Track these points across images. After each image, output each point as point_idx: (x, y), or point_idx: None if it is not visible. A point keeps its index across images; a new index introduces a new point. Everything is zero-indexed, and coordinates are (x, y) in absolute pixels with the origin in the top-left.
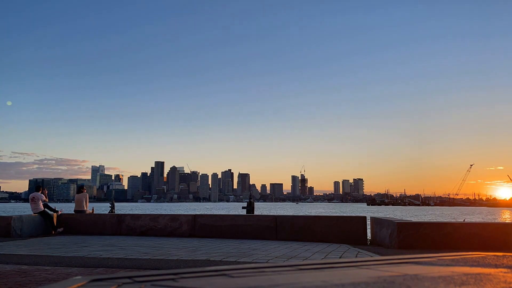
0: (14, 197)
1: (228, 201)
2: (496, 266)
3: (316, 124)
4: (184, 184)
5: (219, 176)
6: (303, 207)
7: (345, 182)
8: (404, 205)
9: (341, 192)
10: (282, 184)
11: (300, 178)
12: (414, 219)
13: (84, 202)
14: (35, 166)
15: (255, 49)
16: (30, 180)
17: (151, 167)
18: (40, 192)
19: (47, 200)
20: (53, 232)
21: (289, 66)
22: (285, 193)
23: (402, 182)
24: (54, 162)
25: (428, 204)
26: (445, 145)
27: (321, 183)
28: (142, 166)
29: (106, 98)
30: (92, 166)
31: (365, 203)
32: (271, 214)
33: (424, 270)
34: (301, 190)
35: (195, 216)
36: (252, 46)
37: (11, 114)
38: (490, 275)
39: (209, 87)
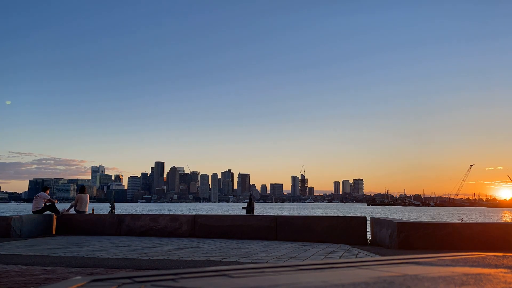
0: (14, 197)
1: (228, 201)
2: (496, 266)
3: (316, 124)
4: (184, 184)
5: (219, 176)
6: (303, 207)
7: (345, 182)
8: (404, 205)
9: (341, 192)
10: (282, 184)
11: (300, 178)
12: (414, 220)
13: (84, 203)
14: (34, 166)
15: (255, 50)
16: (30, 180)
17: (151, 167)
18: (47, 192)
19: (56, 201)
20: (60, 214)
21: (289, 67)
22: (285, 193)
23: (402, 182)
24: (53, 162)
25: (428, 205)
26: (445, 145)
27: (321, 183)
28: (142, 166)
29: (106, 99)
30: (92, 166)
31: (365, 203)
32: (271, 214)
33: (424, 270)
34: (301, 190)
35: (195, 217)
36: (252, 47)
37: (10, 113)
38: (490, 275)
39: (209, 87)
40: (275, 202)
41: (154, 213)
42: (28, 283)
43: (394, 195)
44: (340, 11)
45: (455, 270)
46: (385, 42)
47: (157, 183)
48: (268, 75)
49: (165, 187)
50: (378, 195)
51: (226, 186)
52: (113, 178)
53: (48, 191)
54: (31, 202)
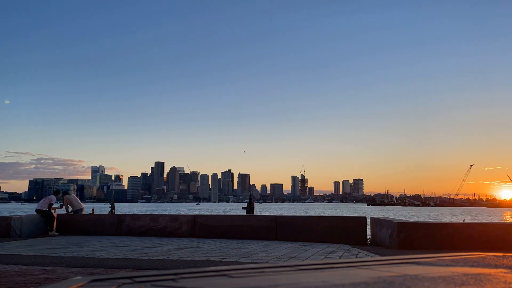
0: (14, 197)
1: (228, 201)
2: (496, 267)
3: (316, 124)
4: (184, 185)
5: (219, 176)
6: (303, 207)
7: (345, 182)
8: (404, 205)
9: (341, 193)
10: (282, 184)
11: (300, 178)
12: (414, 220)
13: (74, 201)
14: (33, 166)
15: (255, 50)
16: (30, 181)
17: (151, 167)
18: (57, 197)
19: (61, 208)
20: (48, 233)
21: (289, 67)
22: (285, 193)
23: (402, 182)
24: (51, 162)
25: (428, 205)
26: (445, 145)
27: (321, 183)
28: (142, 166)
29: (106, 98)
30: (92, 166)
31: (365, 204)
32: (271, 214)
33: (424, 271)
34: (301, 190)
35: (195, 217)
36: (252, 47)
37: (10, 113)
38: (490, 275)
39: (209, 87)
40: (275, 202)
41: (154, 213)
42: (28, 283)
43: (394, 195)
44: (340, 11)
45: (455, 270)
46: (385, 42)
47: (157, 183)
48: (268, 75)
49: (165, 187)
50: (378, 195)
51: (226, 186)
52: (113, 178)
53: (58, 196)
54: (31, 202)
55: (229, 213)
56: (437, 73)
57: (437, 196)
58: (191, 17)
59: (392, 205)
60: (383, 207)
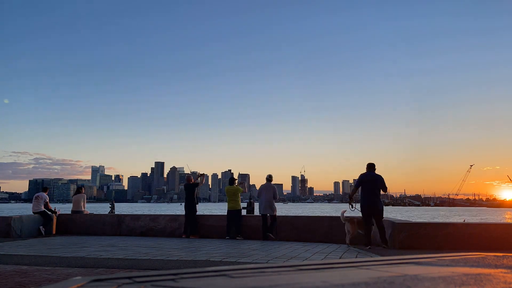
0: (14, 197)
1: None
2: (496, 267)
3: (316, 124)
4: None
5: (219, 176)
6: (303, 207)
7: (345, 182)
8: (404, 205)
9: (341, 193)
10: (282, 184)
11: (300, 178)
12: (414, 220)
13: (82, 202)
14: (31, 166)
15: (255, 50)
16: (30, 181)
17: (151, 168)
18: (46, 193)
19: (58, 212)
20: (39, 228)
21: (289, 66)
22: (285, 193)
23: (402, 183)
24: (50, 161)
25: (428, 205)
26: (445, 145)
27: (321, 183)
28: (142, 166)
29: (106, 99)
30: (92, 166)
31: None
32: None
33: (424, 271)
34: (301, 190)
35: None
36: (251, 47)
37: (8, 112)
38: (490, 276)
39: (209, 87)
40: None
41: (154, 213)
42: (28, 283)
43: (394, 195)
44: (340, 12)
45: (455, 270)
46: (385, 43)
47: (157, 183)
48: (268, 76)
49: (165, 187)
50: None
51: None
52: (113, 178)
53: (47, 192)
54: (31, 202)
55: None
56: (437, 73)
57: (437, 196)
58: (191, 19)
59: (392, 205)
60: None
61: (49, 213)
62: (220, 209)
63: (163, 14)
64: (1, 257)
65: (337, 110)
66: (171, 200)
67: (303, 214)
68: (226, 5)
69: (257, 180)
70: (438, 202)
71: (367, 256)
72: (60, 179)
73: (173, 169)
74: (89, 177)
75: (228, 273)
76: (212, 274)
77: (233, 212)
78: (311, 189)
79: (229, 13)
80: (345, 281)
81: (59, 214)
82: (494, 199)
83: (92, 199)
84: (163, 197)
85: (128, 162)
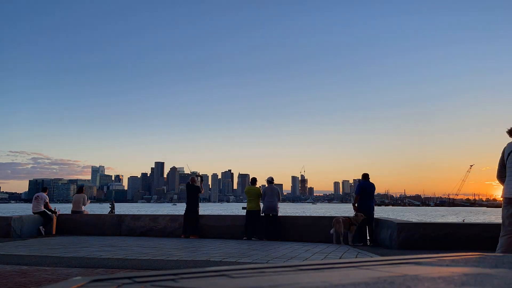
0: (14, 197)
1: (228, 201)
2: (496, 267)
3: (316, 124)
4: (184, 185)
5: (219, 176)
6: (303, 207)
7: (345, 182)
8: (404, 205)
9: (341, 193)
10: (282, 184)
11: (300, 178)
12: (414, 220)
13: (82, 203)
14: (30, 165)
15: (255, 50)
16: (30, 181)
17: (151, 168)
18: (46, 193)
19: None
20: (39, 228)
21: (289, 67)
22: (285, 193)
23: (402, 183)
24: (49, 161)
25: (428, 205)
26: (445, 145)
27: (321, 183)
28: (142, 166)
29: (106, 98)
30: (92, 166)
31: None
32: None
33: (424, 271)
34: (301, 190)
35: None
36: (252, 46)
37: (7, 112)
38: (490, 276)
39: (209, 87)
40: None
41: (154, 214)
42: (28, 283)
43: (394, 195)
44: (341, 13)
45: (455, 270)
46: (385, 43)
47: (157, 183)
48: (268, 76)
49: (165, 187)
50: (378, 195)
51: (226, 186)
52: (113, 178)
53: (47, 192)
54: (31, 203)
55: (229, 213)
56: (437, 74)
57: (437, 196)
58: (192, 20)
59: (392, 205)
60: (383, 207)
61: (49, 213)
62: (220, 209)
63: (162, 14)
64: (1, 257)
65: (337, 110)
66: (171, 200)
67: (303, 214)
68: (226, 5)
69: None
70: (438, 202)
71: (367, 256)
72: (60, 179)
73: (173, 169)
74: (89, 177)
75: (228, 273)
76: (212, 274)
77: (254, 213)
78: (311, 189)
79: (229, 12)
80: (345, 281)
81: (59, 214)
82: (494, 199)
83: (92, 199)
84: (163, 197)
85: (128, 162)
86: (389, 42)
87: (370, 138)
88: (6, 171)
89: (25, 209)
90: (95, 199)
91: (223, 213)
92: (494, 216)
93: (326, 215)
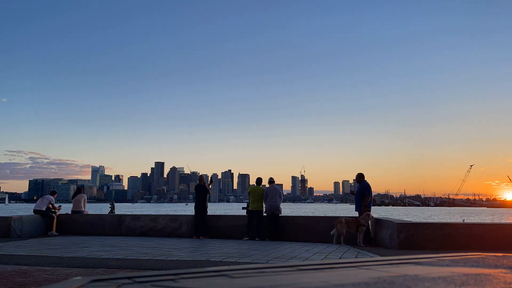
0: (14, 197)
1: (228, 201)
2: (496, 267)
3: (316, 124)
4: (184, 185)
5: (219, 176)
6: (303, 207)
7: (345, 182)
8: (404, 205)
9: (341, 193)
10: (282, 184)
11: (300, 178)
12: (414, 220)
13: (82, 203)
14: (28, 165)
15: (255, 50)
16: (30, 181)
17: (151, 168)
18: (54, 197)
19: (58, 209)
20: (47, 233)
21: (289, 67)
22: (285, 193)
23: (402, 183)
24: (48, 161)
25: (428, 205)
26: (445, 145)
27: (321, 183)
28: (142, 166)
29: (105, 98)
30: (92, 166)
31: None
32: None
33: (424, 271)
34: (301, 190)
35: (194, 217)
36: (252, 46)
37: (6, 111)
38: (490, 276)
39: (209, 87)
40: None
41: (154, 214)
42: (28, 283)
43: (394, 195)
44: (343, 19)
45: (455, 270)
46: (385, 43)
47: (157, 183)
48: (269, 76)
49: (165, 187)
50: (378, 195)
51: (226, 186)
52: (113, 178)
53: (55, 196)
54: (32, 202)
55: (229, 213)
56: (436, 74)
57: (437, 196)
58: (192, 21)
59: (392, 205)
60: (383, 207)
61: (50, 213)
62: (221, 209)
63: (163, 17)
64: (1, 257)
65: (337, 110)
66: (171, 200)
67: (303, 214)
68: (227, 6)
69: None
70: (438, 202)
71: (367, 256)
72: (60, 179)
73: (173, 169)
74: (89, 177)
75: (228, 273)
76: (212, 274)
77: (257, 213)
78: (311, 189)
79: (230, 15)
80: (345, 281)
81: (59, 214)
82: (494, 199)
83: (92, 199)
84: (163, 197)
85: (128, 162)
86: (390, 43)
87: (370, 138)
88: (5, 171)
89: (25, 209)
90: (95, 199)
91: (223, 213)
92: (494, 216)
93: (326, 215)
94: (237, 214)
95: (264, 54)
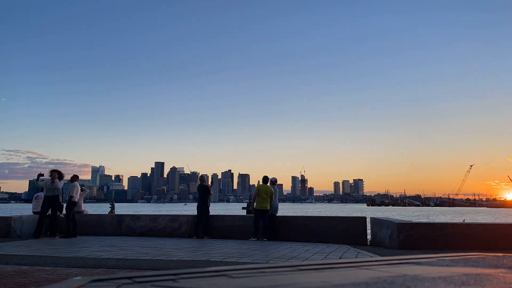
0: (14, 197)
1: (228, 201)
2: (496, 267)
3: (316, 124)
4: (184, 185)
5: (219, 176)
6: (303, 207)
7: (345, 182)
8: (404, 205)
9: (341, 193)
10: (282, 184)
11: (300, 178)
12: (414, 220)
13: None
14: (27, 165)
15: (255, 51)
16: (30, 181)
17: (151, 168)
18: None
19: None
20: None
21: (289, 68)
22: (285, 193)
23: (402, 183)
24: (46, 161)
25: (428, 205)
26: (445, 145)
27: (321, 183)
28: (142, 166)
29: (105, 98)
30: (92, 166)
31: (365, 204)
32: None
33: (424, 271)
34: (301, 190)
35: (195, 217)
36: (252, 48)
37: (6, 111)
38: (490, 276)
39: (209, 87)
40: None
41: (154, 214)
42: (28, 283)
43: (394, 195)
44: (341, 14)
45: (455, 270)
46: (385, 43)
47: (157, 183)
48: (269, 76)
49: (165, 187)
50: (378, 195)
51: (226, 186)
52: (113, 178)
53: None
54: (31, 203)
55: (229, 213)
56: (436, 74)
57: (437, 196)
58: (191, 18)
59: (392, 205)
60: (383, 207)
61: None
62: (221, 209)
63: (161, 13)
64: (1, 257)
65: (337, 110)
66: (171, 200)
67: (303, 214)
68: (224, 3)
69: (257, 180)
70: (438, 202)
71: (367, 256)
72: None
73: (173, 169)
74: (89, 177)
75: (228, 273)
76: (212, 274)
77: (264, 212)
78: (311, 189)
79: (230, 10)
80: (345, 281)
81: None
82: (495, 199)
83: (92, 199)
84: (163, 197)
85: (128, 162)
86: (390, 41)
87: (370, 138)
88: (4, 171)
89: (25, 209)
90: (95, 199)
91: (223, 213)
92: (494, 216)
93: (326, 215)
94: (237, 214)
95: (264, 54)
